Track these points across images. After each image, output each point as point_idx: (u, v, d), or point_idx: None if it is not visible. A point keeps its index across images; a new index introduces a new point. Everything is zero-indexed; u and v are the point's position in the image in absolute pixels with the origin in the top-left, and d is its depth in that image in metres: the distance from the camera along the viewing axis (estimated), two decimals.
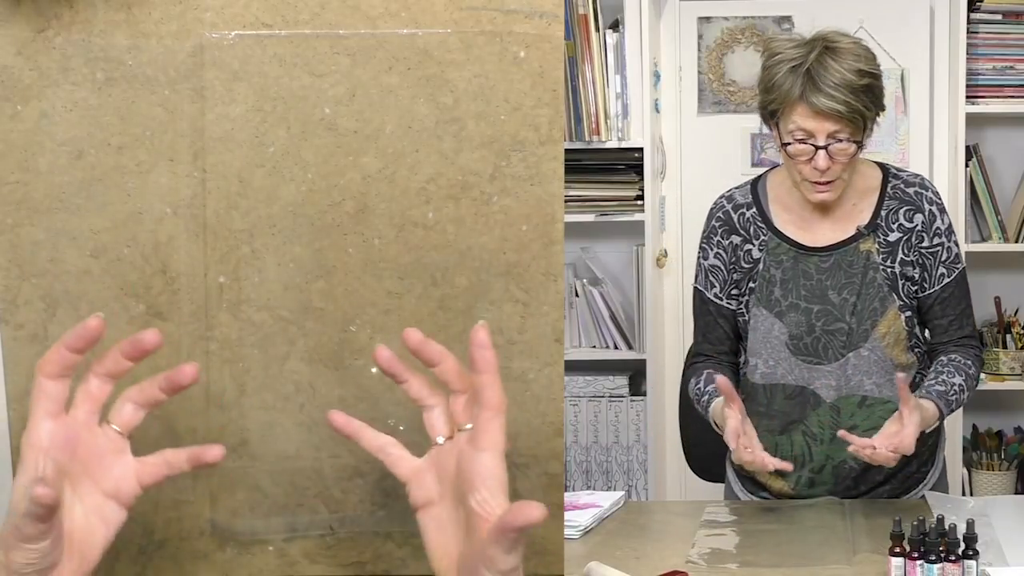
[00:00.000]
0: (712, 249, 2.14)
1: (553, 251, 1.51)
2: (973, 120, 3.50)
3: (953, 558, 1.59)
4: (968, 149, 3.51)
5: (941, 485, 2.22)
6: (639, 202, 3.46)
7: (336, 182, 1.46)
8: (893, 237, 2.07)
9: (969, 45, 3.44)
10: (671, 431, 3.22)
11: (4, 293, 1.45)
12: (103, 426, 1.21)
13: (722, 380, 1.99)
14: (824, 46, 1.98)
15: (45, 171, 1.43)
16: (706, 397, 2.12)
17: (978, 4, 3.47)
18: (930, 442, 2.17)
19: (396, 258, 1.48)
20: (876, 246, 2.07)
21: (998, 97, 3.53)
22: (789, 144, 1.99)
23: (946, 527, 1.61)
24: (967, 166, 3.51)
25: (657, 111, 3.55)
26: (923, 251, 2.07)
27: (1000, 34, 3.51)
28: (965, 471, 3.54)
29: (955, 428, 3.48)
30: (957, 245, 2.12)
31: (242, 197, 1.46)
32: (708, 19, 3.60)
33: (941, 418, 2.04)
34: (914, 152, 3.57)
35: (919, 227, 2.07)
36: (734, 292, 2.14)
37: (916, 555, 1.61)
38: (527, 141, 1.48)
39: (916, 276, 2.08)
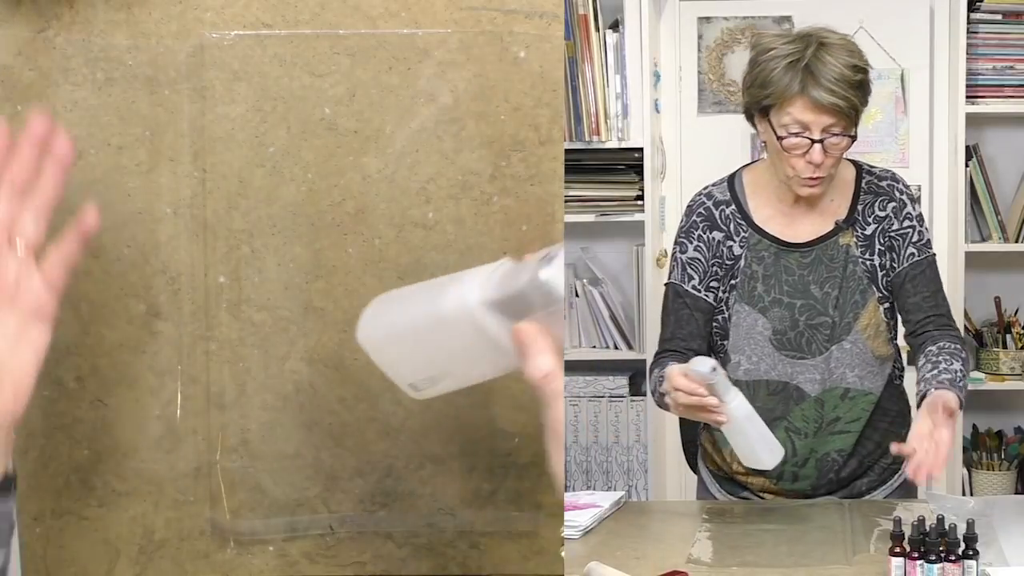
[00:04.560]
0: (692, 243, 2.14)
1: None
2: (973, 120, 3.50)
3: (953, 558, 1.59)
4: (968, 149, 3.50)
5: None
6: (639, 202, 3.45)
7: (336, 182, 1.46)
8: (870, 230, 2.11)
9: (969, 45, 3.44)
10: (671, 431, 3.21)
11: None
12: (7, 247, 1.18)
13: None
14: (819, 42, 2.01)
15: None
16: (663, 379, 2.00)
17: (978, 4, 3.47)
18: (903, 432, 2.17)
19: (396, 258, 1.48)
20: (854, 240, 2.11)
21: (998, 97, 3.52)
22: (784, 138, 2.00)
23: (946, 527, 1.61)
24: (967, 166, 3.51)
25: (657, 111, 3.55)
26: (892, 234, 2.10)
27: (1000, 34, 3.51)
28: (965, 471, 3.54)
29: (955, 428, 3.47)
30: (928, 232, 2.14)
31: (242, 197, 1.46)
32: (708, 19, 3.60)
33: (960, 404, 2.02)
34: (914, 152, 3.57)
35: (890, 214, 2.11)
36: (713, 285, 2.14)
37: (916, 555, 1.61)
38: (527, 141, 1.48)
39: (888, 263, 2.10)
